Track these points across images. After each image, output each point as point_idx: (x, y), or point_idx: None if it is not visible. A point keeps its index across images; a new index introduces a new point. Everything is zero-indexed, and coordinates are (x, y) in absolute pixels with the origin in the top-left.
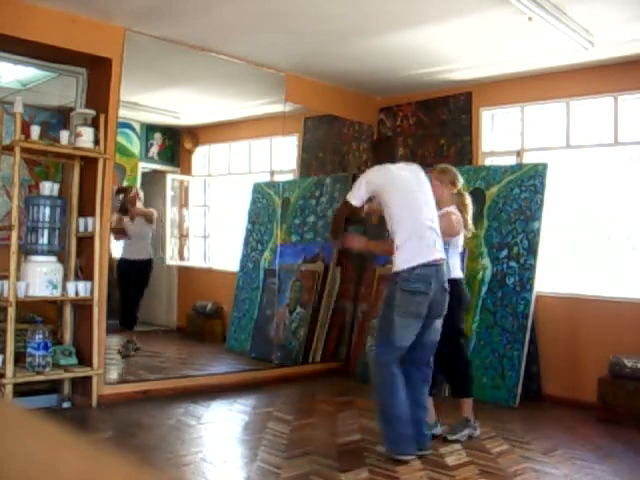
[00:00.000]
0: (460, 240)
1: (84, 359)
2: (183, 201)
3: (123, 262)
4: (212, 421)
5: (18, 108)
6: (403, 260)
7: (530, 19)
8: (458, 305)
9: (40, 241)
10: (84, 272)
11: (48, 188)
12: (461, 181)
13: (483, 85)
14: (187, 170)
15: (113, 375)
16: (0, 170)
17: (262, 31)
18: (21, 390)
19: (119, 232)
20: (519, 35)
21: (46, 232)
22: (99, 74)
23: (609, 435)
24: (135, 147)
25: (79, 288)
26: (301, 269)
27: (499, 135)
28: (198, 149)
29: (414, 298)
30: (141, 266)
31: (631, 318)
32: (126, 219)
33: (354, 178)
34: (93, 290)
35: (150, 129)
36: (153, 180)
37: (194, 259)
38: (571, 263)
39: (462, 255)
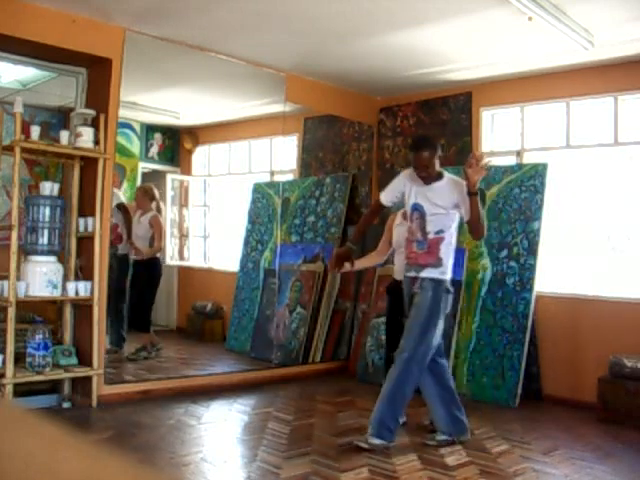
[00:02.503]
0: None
1: (84, 359)
2: (183, 201)
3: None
4: (212, 421)
5: (18, 108)
6: (449, 267)
7: (530, 19)
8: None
9: (40, 241)
10: (84, 272)
11: (48, 188)
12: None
13: (483, 85)
14: (187, 170)
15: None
16: (0, 170)
17: (262, 31)
18: (21, 390)
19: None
20: (519, 35)
21: (46, 232)
22: (99, 74)
23: (609, 435)
24: (135, 147)
25: (79, 288)
26: (301, 269)
27: (499, 135)
28: (198, 149)
29: (449, 299)
30: (147, 266)
31: (631, 318)
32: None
33: (354, 178)
34: (93, 290)
35: (150, 129)
36: (153, 180)
37: (194, 259)
38: (571, 263)
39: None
